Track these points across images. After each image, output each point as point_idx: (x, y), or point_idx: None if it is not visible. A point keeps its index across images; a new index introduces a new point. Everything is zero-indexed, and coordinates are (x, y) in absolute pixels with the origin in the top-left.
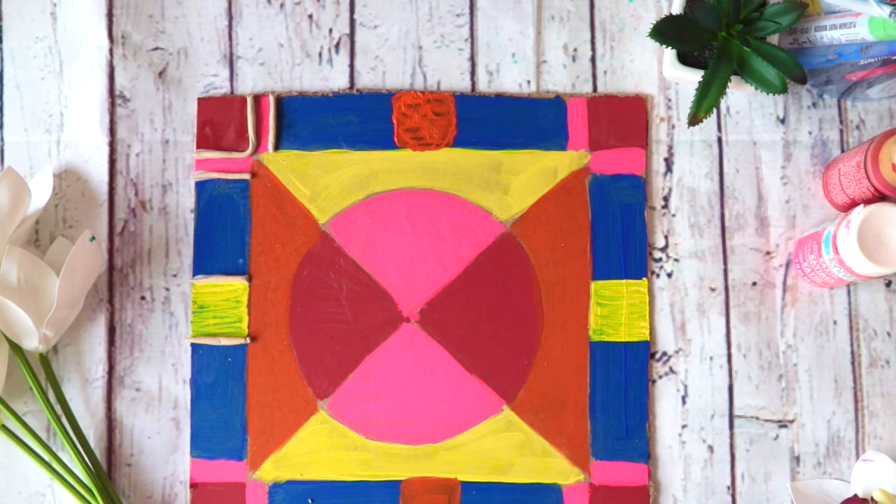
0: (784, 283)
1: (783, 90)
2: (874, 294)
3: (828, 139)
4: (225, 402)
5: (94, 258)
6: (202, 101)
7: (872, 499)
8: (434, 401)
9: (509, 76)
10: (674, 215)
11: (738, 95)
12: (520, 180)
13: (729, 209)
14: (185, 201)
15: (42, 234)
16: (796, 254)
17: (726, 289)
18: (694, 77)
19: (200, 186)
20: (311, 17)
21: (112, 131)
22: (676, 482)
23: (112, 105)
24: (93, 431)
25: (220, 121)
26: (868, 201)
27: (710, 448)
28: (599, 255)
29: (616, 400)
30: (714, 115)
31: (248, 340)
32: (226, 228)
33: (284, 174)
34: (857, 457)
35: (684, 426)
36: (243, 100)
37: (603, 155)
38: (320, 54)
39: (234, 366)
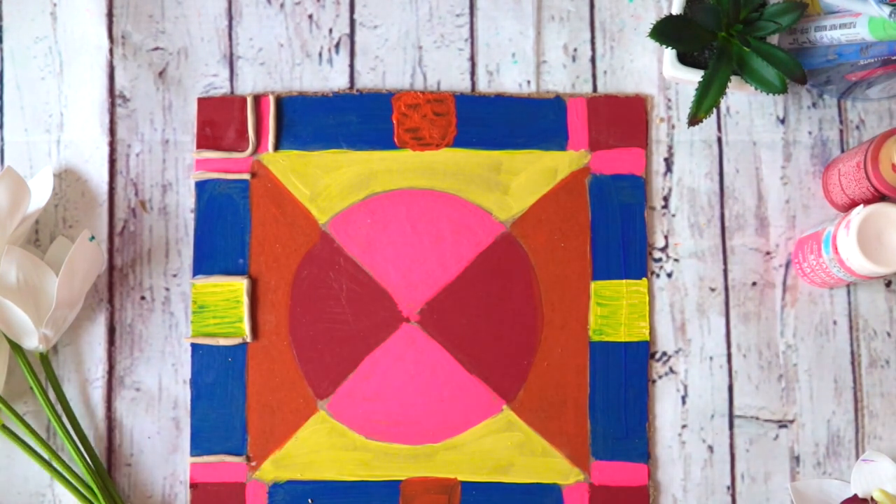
0: (784, 283)
1: (783, 90)
2: (874, 294)
3: (828, 139)
4: (225, 402)
5: (94, 258)
6: (202, 101)
7: (872, 499)
8: (434, 401)
9: (509, 76)
10: (674, 215)
11: (738, 95)
12: (520, 180)
13: (729, 209)
14: (185, 201)
15: (42, 234)
16: (796, 254)
17: (726, 289)
18: (694, 77)
19: (200, 186)
20: (311, 17)
21: (112, 131)
22: (676, 482)
23: (112, 105)
24: (93, 431)
25: (220, 121)
26: (868, 201)
27: (710, 448)
28: (599, 255)
29: (616, 400)
30: (714, 115)
31: (248, 340)
32: (226, 228)
33: (284, 174)
34: (857, 457)
35: (684, 426)
36: (243, 100)
37: (603, 155)
38: (320, 54)
39: (234, 366)
